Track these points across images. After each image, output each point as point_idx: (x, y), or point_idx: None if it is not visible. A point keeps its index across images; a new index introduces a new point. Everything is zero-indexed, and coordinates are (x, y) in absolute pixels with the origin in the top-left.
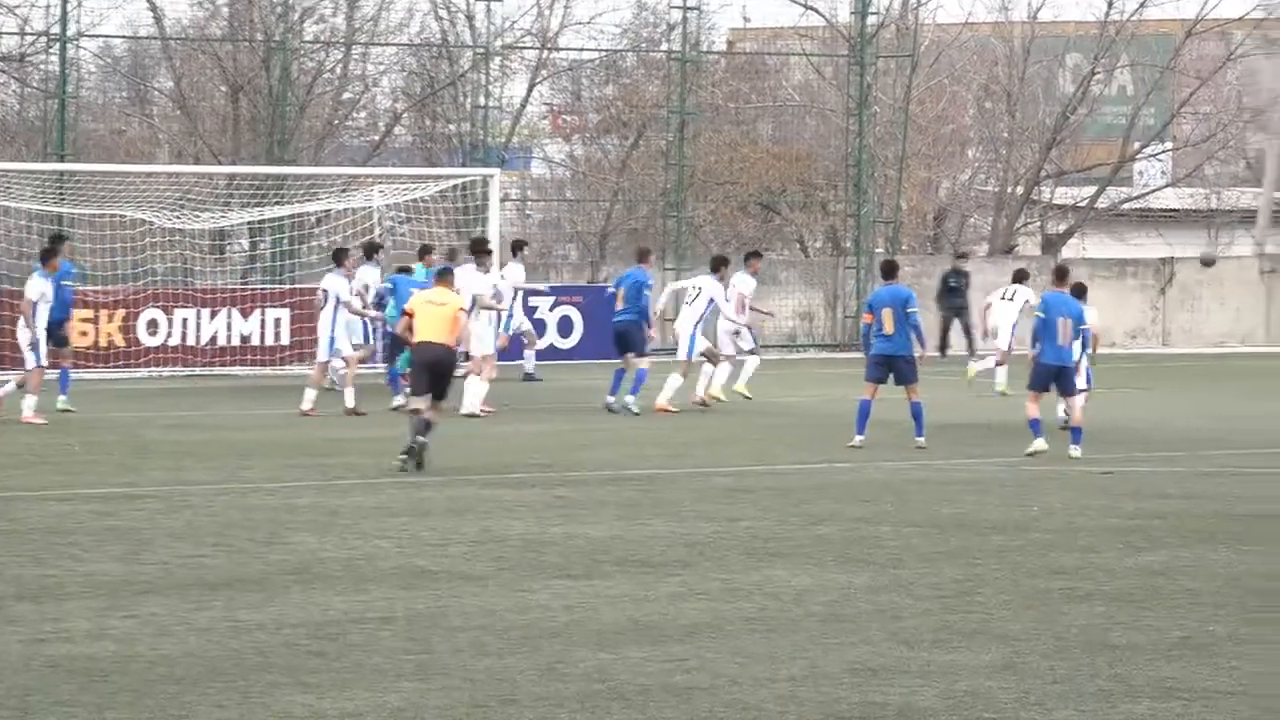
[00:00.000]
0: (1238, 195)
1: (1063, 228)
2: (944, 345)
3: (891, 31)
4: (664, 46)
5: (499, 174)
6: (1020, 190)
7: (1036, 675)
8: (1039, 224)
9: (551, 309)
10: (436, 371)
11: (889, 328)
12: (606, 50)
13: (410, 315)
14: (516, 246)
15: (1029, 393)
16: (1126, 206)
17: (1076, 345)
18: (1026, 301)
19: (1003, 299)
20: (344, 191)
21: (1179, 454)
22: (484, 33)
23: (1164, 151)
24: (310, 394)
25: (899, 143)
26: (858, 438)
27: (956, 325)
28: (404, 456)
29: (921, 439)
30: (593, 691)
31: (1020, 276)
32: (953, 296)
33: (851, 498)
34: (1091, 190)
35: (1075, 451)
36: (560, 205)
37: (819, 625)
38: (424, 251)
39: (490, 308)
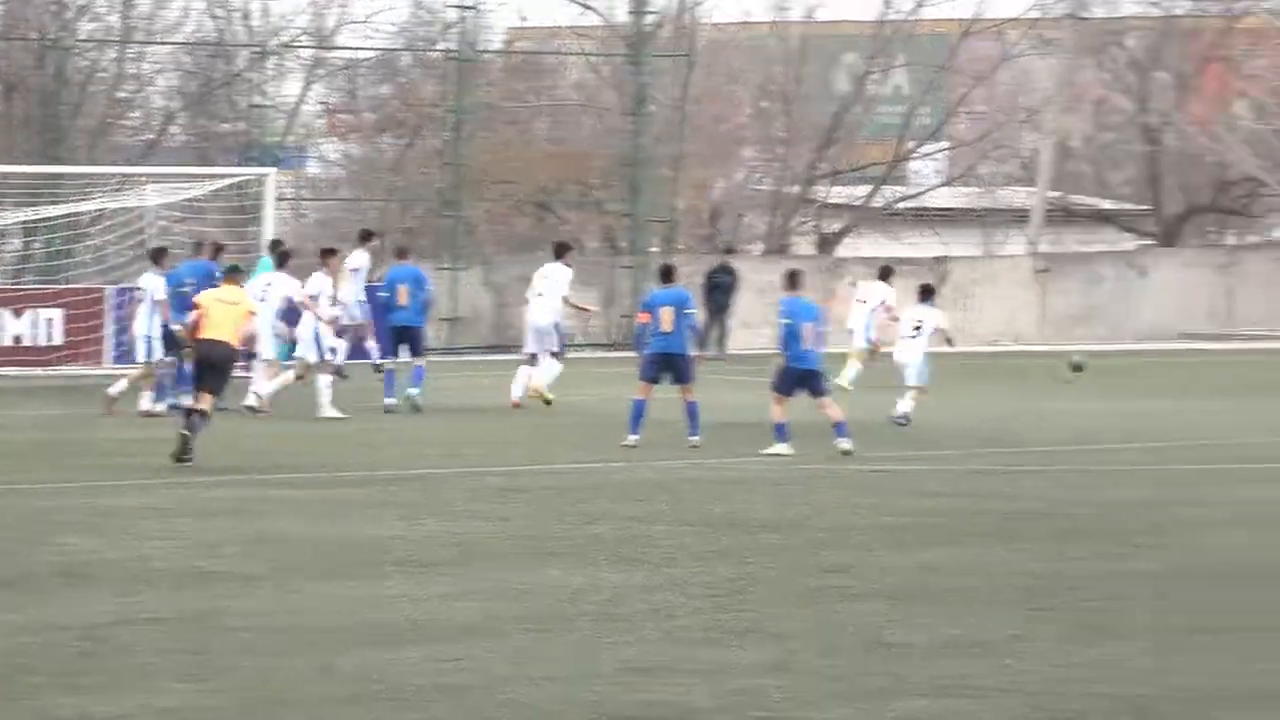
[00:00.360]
0: (1011, 194)
1: (838, 227)
2: (704, 343)
3: (669, 31)
4: (441, 45)
5: (274, 173)
6: (796, 189)
7: (810, 674)
8: (814, 223)
9: None
10: (217, 368)
11: (666, 326)
12: (383, 49)
13: (200, 312)
14: (365, 236)
15: (774, 395)
16: (901, 205)
17: (916, 343)
18: (882, 301)
19: (859, 300)
20: (118, 191)
21: (952, 452)
22: (260, 31)
23: (939, 151)
24: (271, 387)
25: (675, 142)
26: (632, 437)
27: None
28: (178, 451)
29: (696, 438)
30: (367, 692)
31: (884, 274)
32: (717, 294)
33: (625, 497)
34: (867, 189)
35: (845, 445)
36: (335, 205)
37: (592, 624)
38: (205, 247)
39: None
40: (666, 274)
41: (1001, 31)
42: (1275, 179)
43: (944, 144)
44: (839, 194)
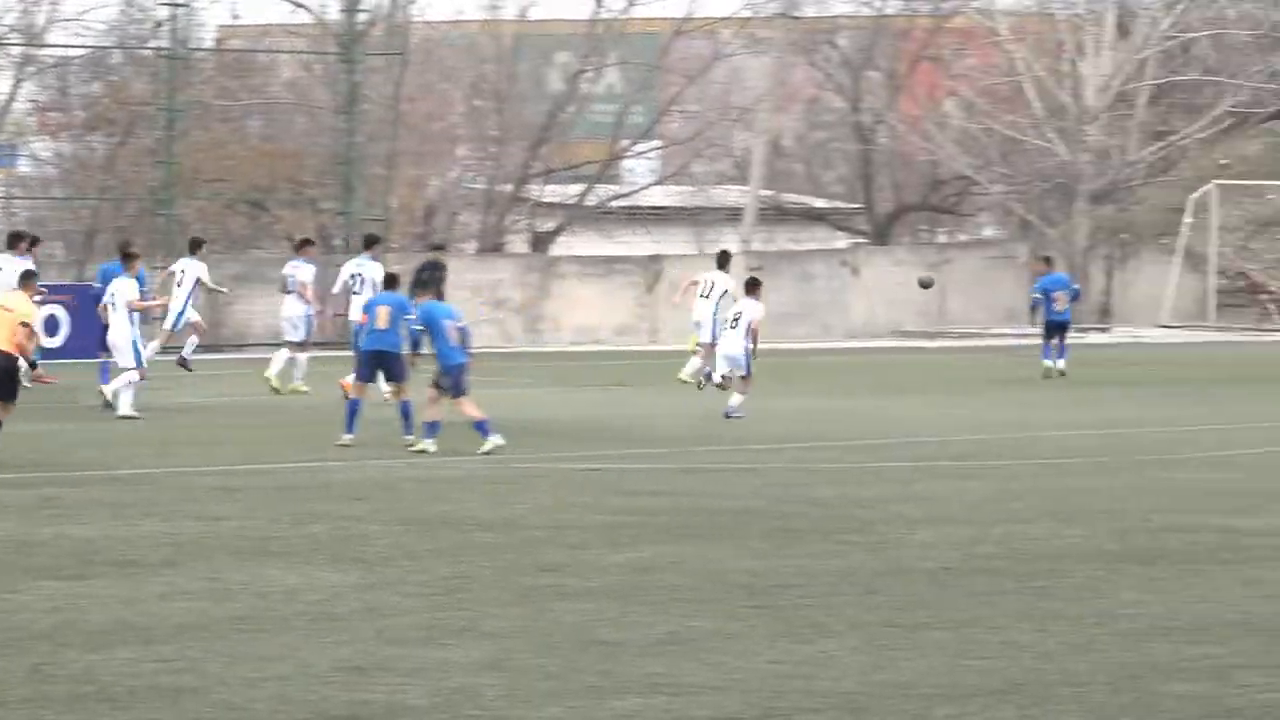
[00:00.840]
0: (725, 193)
1: (552, 225)
2: (418, 343)
3: (381, 29)
4: (152, 43)
5: None
6: (509, 188)
7: (525, 672)
8: (528, 221)
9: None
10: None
11: (383, 323)
12: (93, 47)
13: None
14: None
15: (430, 391)
16: (615, 204)
17: (736, 335)
18: (725, 292)
19: (703, 296)
20: None
21: (664, 451)
22: None
23: (652, 150)
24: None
25: (388, 141)
26: (347, 436)
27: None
28: None
29: (410, 437)
30: (80, 694)
31: (722, 261)
32: (424, 290)
33: (342, 496)
34: (581, 188)
35: (496, 441)
36: (47, 204)
37: (308, 624)
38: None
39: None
40: (390, 282)
41: (714, 30)
42: (985, 178)
43: (657, 143)
44: (553, 193)
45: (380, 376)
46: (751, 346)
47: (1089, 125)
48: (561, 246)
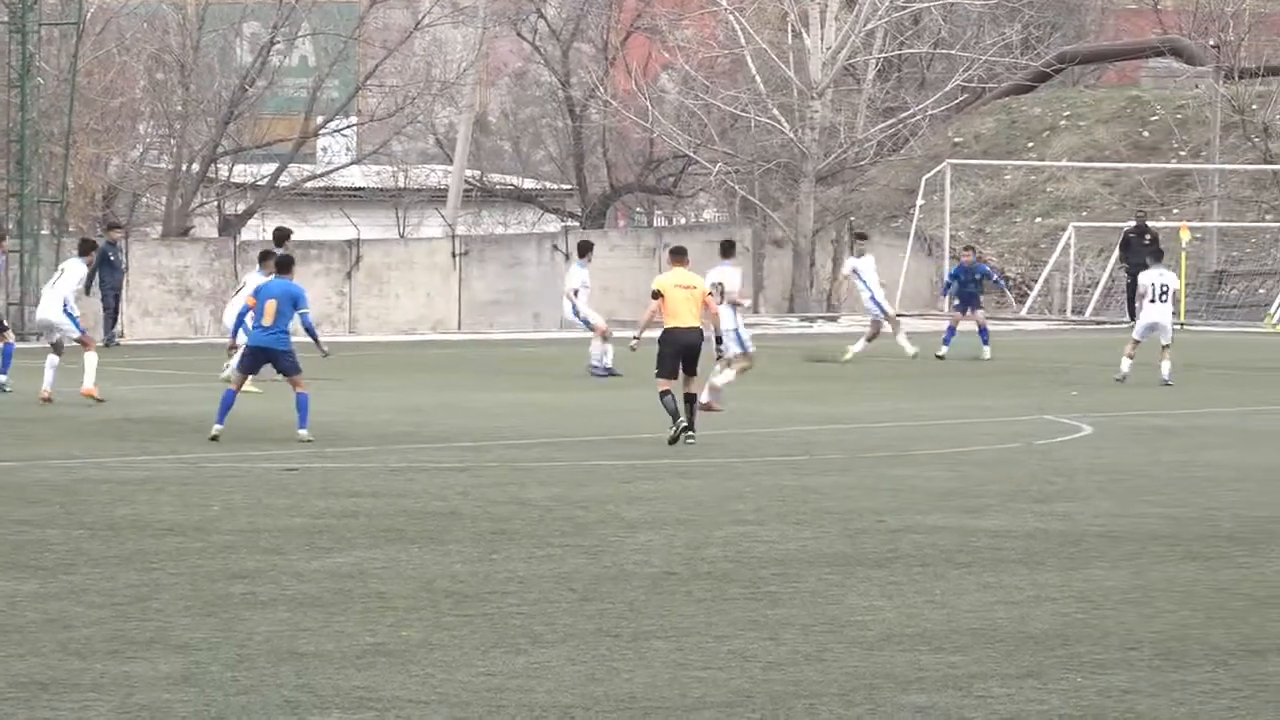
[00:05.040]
0: (427, 173)
1: (242, 207)
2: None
3: None
4: None
5: None
6: (196, 168)
7: (218, 686)
8: (216, 203)
9: None
10: None
11: (268, 319)
12: None
13: None
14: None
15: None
16: (310, 185)
17: (727, 311)
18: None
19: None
20: None
21: (369, 449)
22: None
23: (349, 126)
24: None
25: (64, 117)
26: (216, 426)
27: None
28: None
29: (304, 431)
30: None
31: (583, 250)
32: (111, 272)
33: (18, 499)
34: (273, 168)
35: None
36: None
37: None
38: None
39: None
40: (285, 265)
41: (413, 0)
42: (704, 156)
43: (354, 119)
44: (242, 173)
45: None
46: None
47: (814, 101)
48: (252, 230)
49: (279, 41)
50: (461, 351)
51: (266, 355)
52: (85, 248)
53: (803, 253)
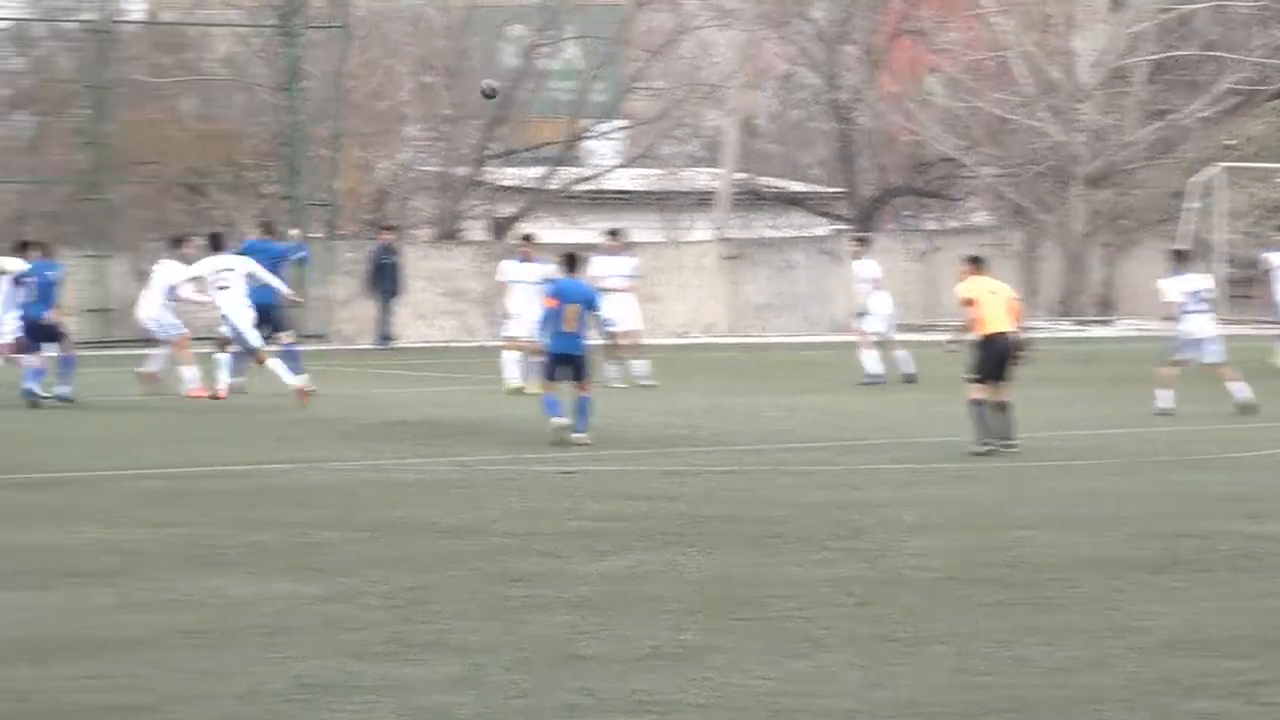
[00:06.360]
0: (695, 176)
1: (512, 210)
2: (387, 332)
3: (321, 1)
4: (78, 16)
5: None
6: (465, 171)
7: (498, 689)
8: (487, 206)
9: None
10: None
11: (570, 324)
12: (16, 19)
13: None
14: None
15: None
16: (578, 188)
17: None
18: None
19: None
20: None
21: (643, 452)
22: None
23: (616, 130)
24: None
25: (333, 120)
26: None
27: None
28: None
29: (583, 434)
30: (20, 712)
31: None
32: (383, 277)
33: (294, 502)
34: (541, 171)
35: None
36: None
37: (263, 638)
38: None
39: None
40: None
41: (678, 2)
42: (972, 160)
43: (621, 122)
44: (512, 175)
45: None
46: None
47: (1082, 103)
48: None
49: (544, 44)
50: (732, 354)
51: (570, 362)
52: (175, 243)
53: (1074, 256)
